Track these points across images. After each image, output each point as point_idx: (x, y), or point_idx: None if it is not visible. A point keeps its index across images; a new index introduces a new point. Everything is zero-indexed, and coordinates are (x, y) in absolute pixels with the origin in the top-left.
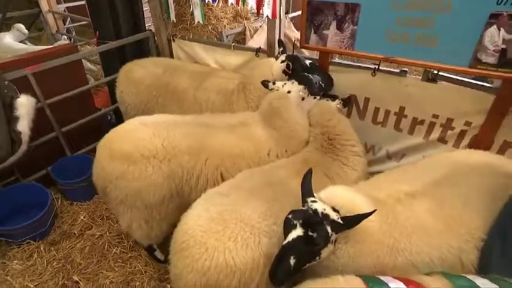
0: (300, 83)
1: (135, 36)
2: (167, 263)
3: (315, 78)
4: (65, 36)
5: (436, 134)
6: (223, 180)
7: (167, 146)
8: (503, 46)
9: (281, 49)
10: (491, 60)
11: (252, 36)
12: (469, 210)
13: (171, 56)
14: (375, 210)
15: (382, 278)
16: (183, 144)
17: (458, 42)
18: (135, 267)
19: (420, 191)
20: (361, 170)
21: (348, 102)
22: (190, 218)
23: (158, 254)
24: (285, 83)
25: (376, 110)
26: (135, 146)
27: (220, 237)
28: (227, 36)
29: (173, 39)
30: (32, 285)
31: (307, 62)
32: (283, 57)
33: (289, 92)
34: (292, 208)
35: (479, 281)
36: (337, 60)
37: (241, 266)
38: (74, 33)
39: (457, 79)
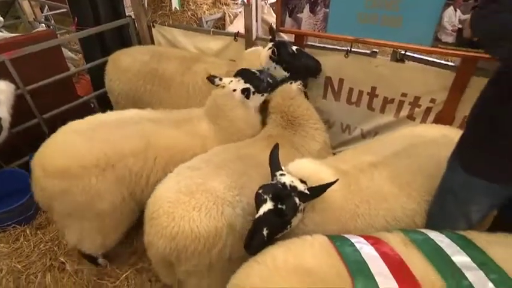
0: (246, 82)
1: (115, 23)
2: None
3: (263, 75)
4: (43, 25)
5: (405, 111)
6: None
7: (108, 151)
8: (460, 26)
9: (270, 37)
10: (450, 39)
11: (231, 22)
12: (422, 176)
13: (152, 42)
14: (337, 180)
15: (345, 235)
16: (125, 146)
17: (420, 23)
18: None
19: (381, 162)
20: (323, 141)
21: (308, 83)
22: (161, 190)
23: (101, 261)
24: (232, 80)
25: (350, 90)
26: (72, 159)
27: (186, 208)
28: (207, 22)
29: (153, 25)
30: (19, 266)
31: (294, 48)
32: (270, 44)
33: (234, 90)
34: (261, 178)
35: (431, 234)
36: (317, 44)
37: (205, 233)
38: (52, 21)
39: (422, 58)
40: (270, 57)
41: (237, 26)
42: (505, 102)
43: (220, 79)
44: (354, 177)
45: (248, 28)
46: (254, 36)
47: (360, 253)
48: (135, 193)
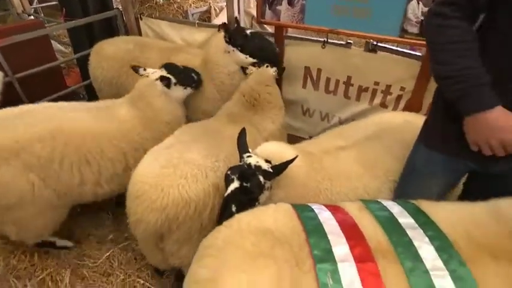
0: (168, 73)
1: (103, 14)
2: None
3: (188, 70)
4: (32, 17)
5: (378, 99)
6: (90, 165)
7: (9, 141)
8: (422, 18)
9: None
10: (415, 30)
11: (217, 15)
12: (389, 158)
13: (140, 34)
14: (296, 157)
15: (308, 204)
16: (28, 133)
17: (387, 15)
18: None
19: (350, 145)
20: (279, 124)
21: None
22: (140, 170)
23: (62, 242)
24: (155, 71)
25: (328, 80)
26: None
27: (172, 178)
28: (192, 15)
29: (140, 17)
30: None
31: (249, 31)
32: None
33: (157, 79)
34: (230, 148)
35: (386, 203)
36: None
37: (195, 197)
38: (42, 14)
39: (392, 49)
40: (226, 41)
41: (223, 18)
42: None
43: (144, 69)
44: (318, 157)
45: (230, 20)
46: None
47: (317, 217)
48: (50, 178)
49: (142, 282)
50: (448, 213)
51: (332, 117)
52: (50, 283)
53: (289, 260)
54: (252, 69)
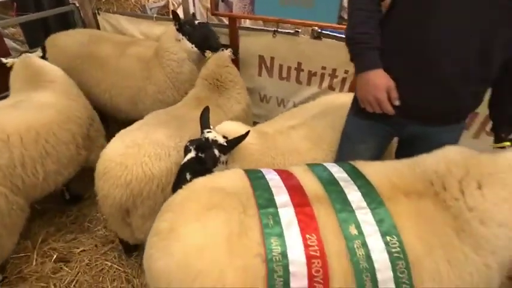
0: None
1: (58, 9)
2: None
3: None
4: None
5: (326, 83)
6: (50, 155)
7: None
8: None
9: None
10: None
11: (175, 10)
12: (332, 132)
13: (98, 29)
14: (248, 131)
15: (260, 169)
16: None
17: (327, 4)
18: None
19: (300, 124)
20: (245, 103)
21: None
22: (108, 150)
23: None
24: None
25: (281, 67)
26: None
27: (136, 156)
28: (151, 9)
29: (98, 12)
30: None
31: (197, 22)
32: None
33: None
34: (195, 130)
35: (327, 164)
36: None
37: (158, 174)
38: None
39: (335, 35)
40: (177, 29)
41: (181, 13)
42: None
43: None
44: (272, 136)
45: (186, 12)
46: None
47: (265, 176)
48: (16, 185)
49: (109, 264)
50: (375, 167)
51: (287, 102)
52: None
53: (237, 207)
54: (209, 53)
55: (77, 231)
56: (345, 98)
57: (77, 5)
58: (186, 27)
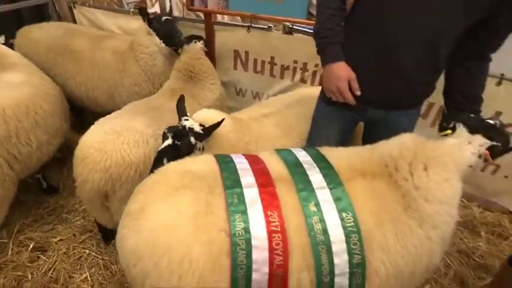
0: None
1: (32, 1)
2: None
3: None
4: None
5: (298, 76)
6: (39, 126)
7: None
8: None
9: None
10: None
11: (153, 5)
12: (303, 122)
13: (74, 22)
14: (223, 119)
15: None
16: None
17: (297, 1)
18: None
19: (273, 112)
20: (219, 93)
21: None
22: (87, 136)
23: None
24: None
25: (255, 61)
26: None
27: (115, 143)
28: (128, 4)
29: (74, 6)
30: None
31: (163, 18)
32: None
33: None
34: (172, 120)
35: (294, 149)
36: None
37: (136, 160)
38: None
39: (305, 30)
40: (148, 24)
41: (158, 8)
42: None
43: None
44: (246, 123)
45: (163, 7)
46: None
47: (233, 160)
48: (11, 155)
49: (87, 252)
50: (338, 152)
51: (262, 95)
52: None
53: (204, 188)
54: (183, 46)
55: (55, 222)
56: (314, 90)
57: None
58: (155, 23)
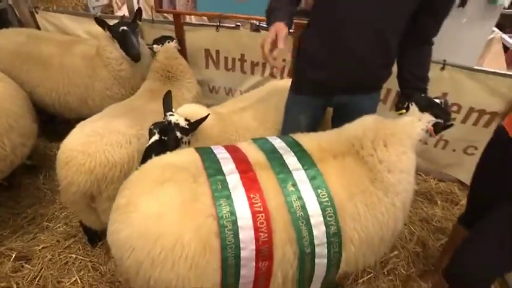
0: None
1: None
2: None
3: None
4: None
5: (267, 71)
6: (13, 129)
7: None
8: None
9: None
10: None
11: (120, 8)
12: (276, 112)
13: (38, 28)
14: (208, 114)
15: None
16: None
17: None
18: None
19: (249, 105)
20: (195, 92)
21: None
22: (68, 140)
23: None
24: None
25: (226, 59)
26: None
27: (98, 144)
28: (94, 8)
29: (36, 11)
30: None
31: (121, 28)
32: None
33: None
34: (152, 120)
35: (271, 138)
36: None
37: (120, 160)
38: None
39: None
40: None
41: (125, 11)
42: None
43: None
44: (228, 116)
45: (130, 10)
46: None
47: (213, 151)
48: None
49: (74, 256)
50: (309, 137)
51: (234, 91)
52: None
53: (187, 178)
54: (157, 48)
55: (36, 231)
56: (287, 83)
57: (10, 2)
58: (113, 31)
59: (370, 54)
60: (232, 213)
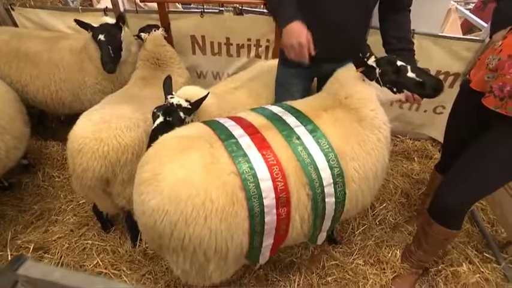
0: None
1: None
2: None
3: None
4: None
5: (253, 52)
6: (6, 131)
7: None
8: None
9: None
10: None
11: (99, 1)
12: (268, 88)
13: (15, 26)
14: (208, 93)
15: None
16: None
17: None
18: None
19: (241, 85)
20: (186, 77)
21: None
22: (77, 129)
23: None
24: None
25: (212, 43)
26: None
27: (108, 130)
28: (73, 2)
29: (11, 8)
30: None
31: (99, 37)
32: None
33: None
34: (152, 106)
35: (268, 106)
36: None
37: (131, 143)
38: None
39: (256, 10)
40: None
41: (106, 3)
42: None
43: None
44: (222, 95)
45: (114, 2)
46: (122, 9)
47: (220, 121)
48: None
49: (90, 242)
50: (301, 101)
51: (222, 74)
52: None
53: (204, 145)
54: (145, 36)
55: (47, 225)
56: (274, 62)
57: None
58: (94, 35)
59: (351, 24)
60: (251, 168)
